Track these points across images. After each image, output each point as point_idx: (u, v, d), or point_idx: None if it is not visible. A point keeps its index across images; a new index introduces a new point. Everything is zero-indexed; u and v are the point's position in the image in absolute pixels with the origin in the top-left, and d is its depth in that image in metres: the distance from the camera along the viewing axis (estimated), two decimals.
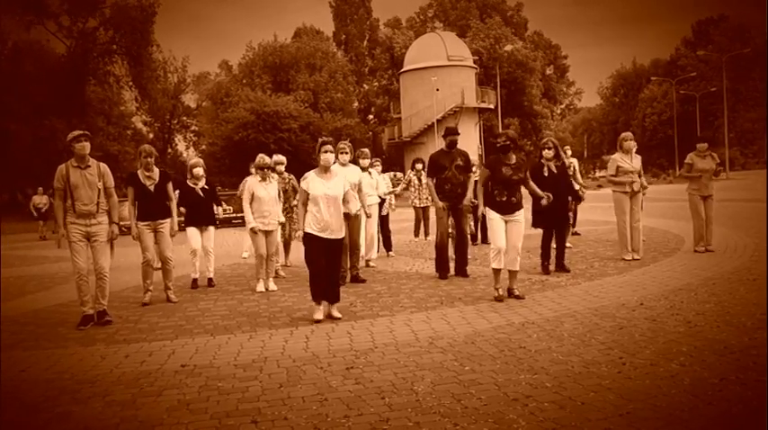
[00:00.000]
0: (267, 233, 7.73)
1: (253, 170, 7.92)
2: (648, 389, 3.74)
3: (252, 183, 7.74)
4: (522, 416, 3.42)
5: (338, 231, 5.90)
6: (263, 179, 7.72)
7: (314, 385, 4.09)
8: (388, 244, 10.63)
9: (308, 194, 5.84)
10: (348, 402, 3.76)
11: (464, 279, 7.85)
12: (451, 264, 8.14)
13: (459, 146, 8.09)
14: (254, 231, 7.62)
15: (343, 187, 5.94)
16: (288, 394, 3.96)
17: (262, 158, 7.76)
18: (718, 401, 3.50)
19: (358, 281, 7.87)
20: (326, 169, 5.91)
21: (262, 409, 3.72)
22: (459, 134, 8.18)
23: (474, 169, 10.50)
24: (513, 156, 6.50)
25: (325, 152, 5.86)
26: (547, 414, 3.44)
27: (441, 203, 7.77)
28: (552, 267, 8.02)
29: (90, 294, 6.15)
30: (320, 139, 6.03)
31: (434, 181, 7.91)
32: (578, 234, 11.86)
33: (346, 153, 7.69)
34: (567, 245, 9.82)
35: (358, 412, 3.60)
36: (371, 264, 9.33)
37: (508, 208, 6.42)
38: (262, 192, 7.65)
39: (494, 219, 6.46)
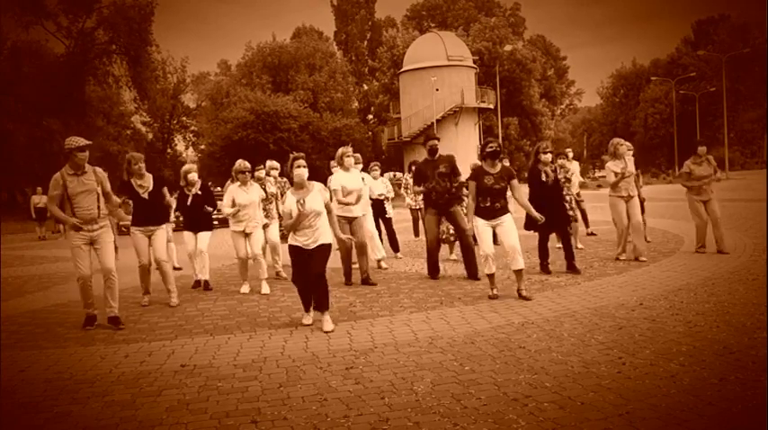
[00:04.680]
0: (247, 235, 7.72)
1: (233, 174, 7.88)
2: (648, 389, 3.74)
3: (232, 189, 7.75)
4: (522, 416, 3.42)
5: (322, 239, 5.72)
6: (243, 184, 7.71)
7: (314, 385, 4.09)
8: (395, 245, 10.52)
9: (292, 214, 5.62)
10: (348, 402, 3.76)
11: (465, 279, 7.82)
12: (459, 265, 8.15)
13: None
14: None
15: (321, 200, 5.71)
16: (287, 394, 3.96)
17: (241, 163, 7.75)
18: (717, 401, 3.50)
19: (368, 283, 7.75)
20: (301, 185, 5.73)
21: (261, 409, 3.72)
22: (438, 139, 8.23)
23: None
24: (498, 165, 6.63)
25: (298, 167, 5.68)
26: (546, 414, 3.44)
27: (419, 188, 7.93)
28: (552, 267, 8.02)
29: (94, 297, 6.14)
30: (291, 155, 5.81)
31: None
32: (594, 234, 11.78)
33: (349, 156, 7.78)
34: (579, 246, 9.86)
35: (358, 412, 3.60)
36: (383, 265, 9.21)
37: (492, 213, 6.53)
38: (241, 197, 7.63)
39: (479, 225, 6.57)
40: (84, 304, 6.15)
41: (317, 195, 5.70)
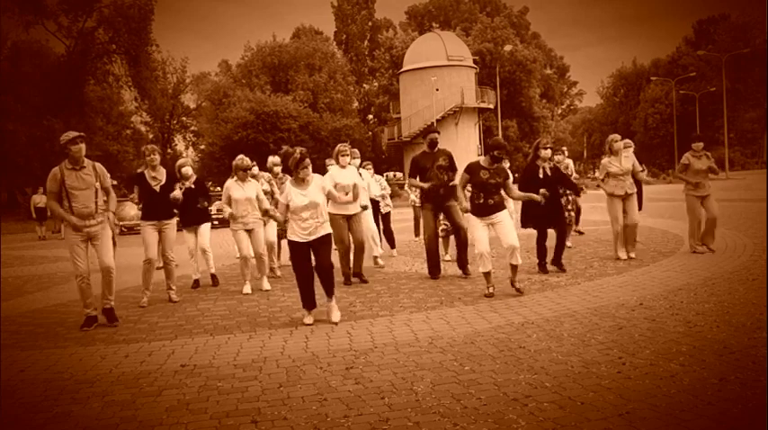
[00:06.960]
0: (249, 232, 7.71)
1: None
2: (648, 388, 3.74)
3: (229, 184, 7.72)
4: (522, 416, 3.42)
5: (322, 230, 5.81)
6: (241, 180, 7.70)
7: (313, 385, 4.09)
8: (391, 242, 10.62)
9: (287, 206, 5.76)
10: (348, 402, 3.76)
11: (464, 278, 7.83)
12: (453, 264, 8.14)
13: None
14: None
15: (321, 191, 5.81)
16: (287, 394, 3.96)
17: (241, 160, 7.74)
18: (717, 401, 3.50)
19: (361, 280, 7.83)
20: (303, 181, 5.79)
21: (261, 409, 3.72)
22: (438, 132, 8.30)
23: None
24: (495, 165, 6.71)
25: (305, 168, 5.72)
26: (546, 414, 3.44)
27: (417, 182, 7.88)
28: (549, 266, 8.03)
29: (93, 296, 6.13)
30: (297, 155, 5.72)
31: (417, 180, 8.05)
32: (582, 233, 11.87)
33: (346, 155, 7.79)
34: (568, 244, 9.84)
35: (357, 412, 3.60)
36: (380, 262, 9.24)
37: (486, 210, 6.58)
38: (238, 193, 7.61)
39: (474, 224, 6.64)
40: (84, 304, 6.12)
41: (316, 188, 5.81)
